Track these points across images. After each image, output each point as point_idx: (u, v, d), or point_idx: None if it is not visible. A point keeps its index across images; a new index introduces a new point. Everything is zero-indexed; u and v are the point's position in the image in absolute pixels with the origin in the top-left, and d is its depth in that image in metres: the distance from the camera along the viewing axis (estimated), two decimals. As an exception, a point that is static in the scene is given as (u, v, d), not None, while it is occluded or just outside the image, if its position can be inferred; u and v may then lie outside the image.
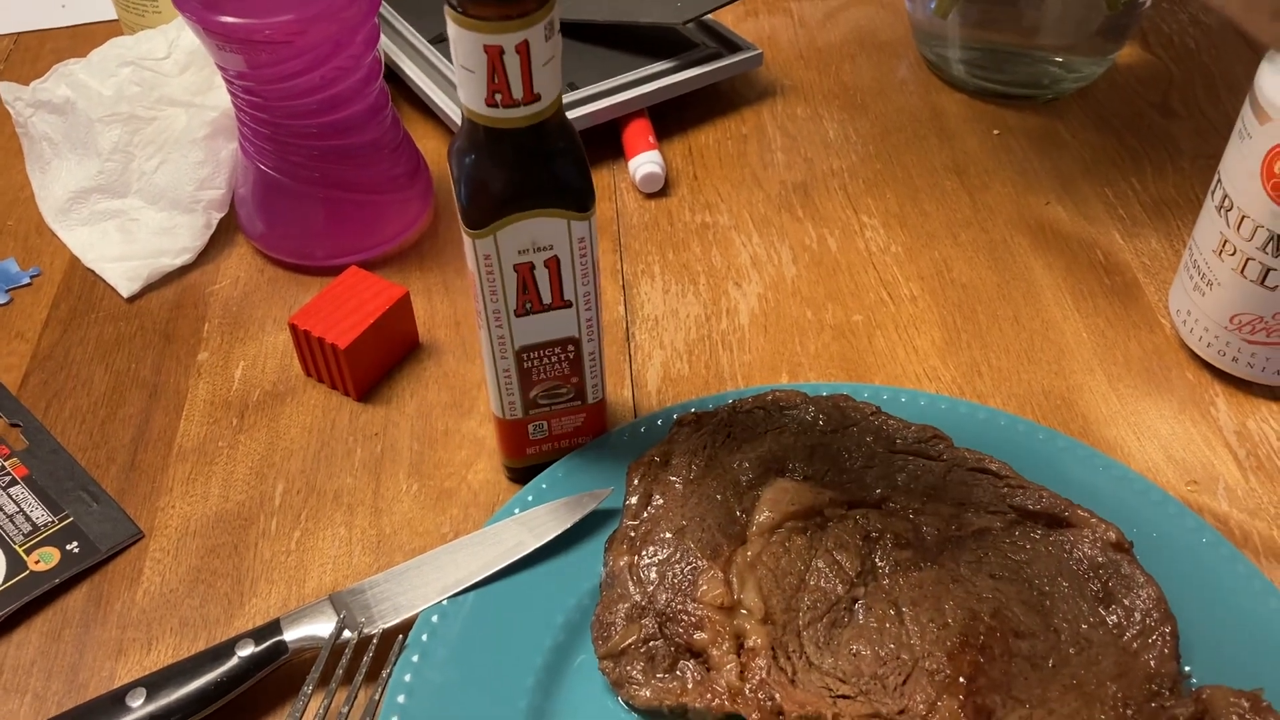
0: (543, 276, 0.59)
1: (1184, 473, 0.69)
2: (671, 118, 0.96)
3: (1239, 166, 0.67)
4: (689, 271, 0.84)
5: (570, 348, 0.63)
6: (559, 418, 0.67)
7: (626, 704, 0.58)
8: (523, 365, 0.63)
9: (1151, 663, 0.57)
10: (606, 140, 0.93)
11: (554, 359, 0.63)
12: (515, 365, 0.63)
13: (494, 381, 0.64)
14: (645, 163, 0.89)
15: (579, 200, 0.57)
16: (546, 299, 0.60)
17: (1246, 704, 0.53)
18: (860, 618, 0.59)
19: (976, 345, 0.77)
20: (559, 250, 0.58)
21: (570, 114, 0.88)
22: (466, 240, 0.58)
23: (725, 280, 0.83)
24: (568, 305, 0.61)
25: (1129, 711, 0.55)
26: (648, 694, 0.58)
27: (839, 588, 0.60)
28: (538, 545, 0.63)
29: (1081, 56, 0.94)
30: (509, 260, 0.58)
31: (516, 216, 0.57)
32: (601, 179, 0.91)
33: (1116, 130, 0.93)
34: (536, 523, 0.64)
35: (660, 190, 0.90)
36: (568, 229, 0.58)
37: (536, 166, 0.56)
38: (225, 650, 0.60)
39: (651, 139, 0.91)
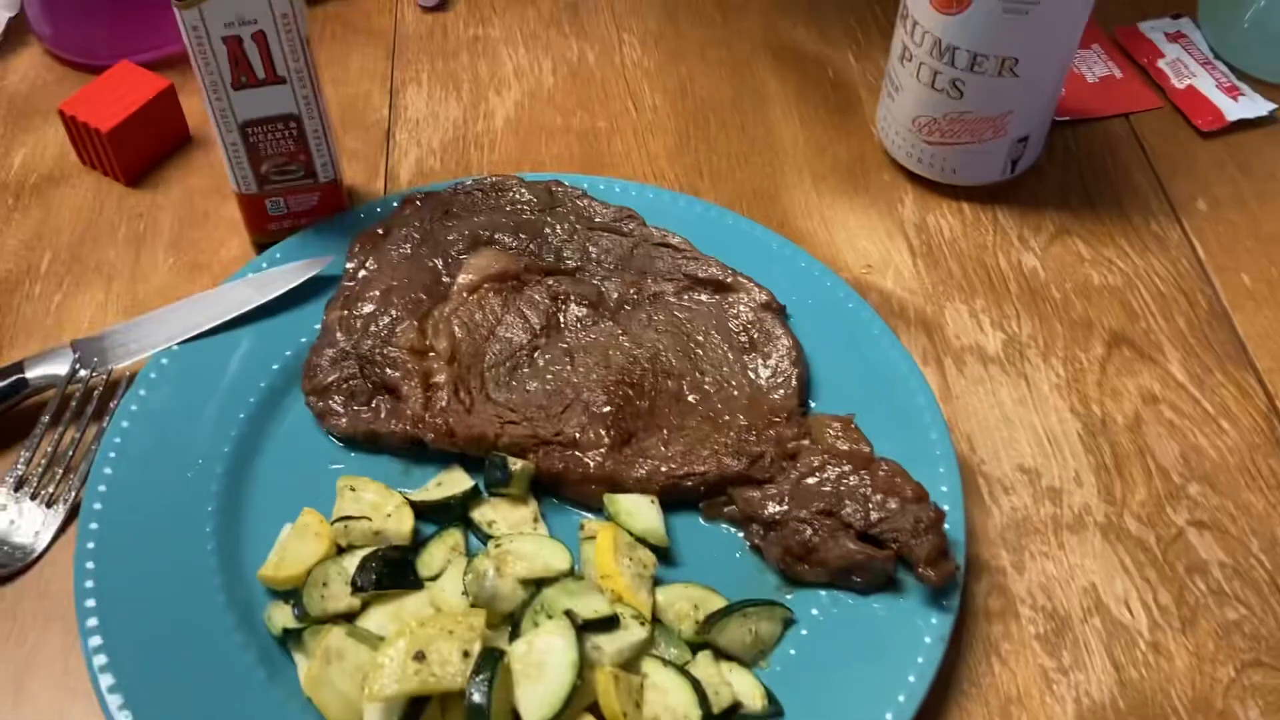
0: (253, 50, 0.65)
1: (862, 258, 0.78)
2: (461, -60, 1.01)
3: (911, -23, 0.74)
4: (455, 80, 0.90)
5: (292, 124, 0.69)
6: (294, 194, 0.73)
7: (327, 433, 0.67)
8: (249, 140, 0.69)
9: (777, 399, 0.66)
10: (393, -42, 0.98)
11: (278, 135, 0.70)
12: (241, 140, 0.69)
13: (226, 156, 0.71)
14: (423, -22, 0.94)
15: (275, -24, 0.63)
16: (260, 73, 0.66)
17: (839, 425, 0.63)
18: (539, 363, 0.68)
19: (703, 150, 0.85)
20: (264, 25, 0.64)
21: (352, -72, 0.93)
22: (176, 12, 0.63)
23: (487, 88, 0.89)
24: (282, 81, 0.67)
25: (750, 436, 0.64)
26: (344, 423, 0.66)
27: (523, 338, 0.68)
28: (263, 301, 0.70)
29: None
30: (217, 32, 0.64)
31: (218, -11, 0.62)
32: (385, -7, 0.97)
33: (873, -37, 1.00)
34: (264, 283, 0.71)
35: (439, 5, 0.95)
36: (269, 4, 0.63)
37: (234, -58, 0.62)
38: (-30, 386, 0.67)
39: (432, -44, 0.96)
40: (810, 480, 0.62)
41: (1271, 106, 0.87)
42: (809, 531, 0.60)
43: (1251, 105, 0.87)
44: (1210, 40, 0.91)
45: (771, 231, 0.75)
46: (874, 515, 0.60)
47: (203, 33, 0.64)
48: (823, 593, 0.60)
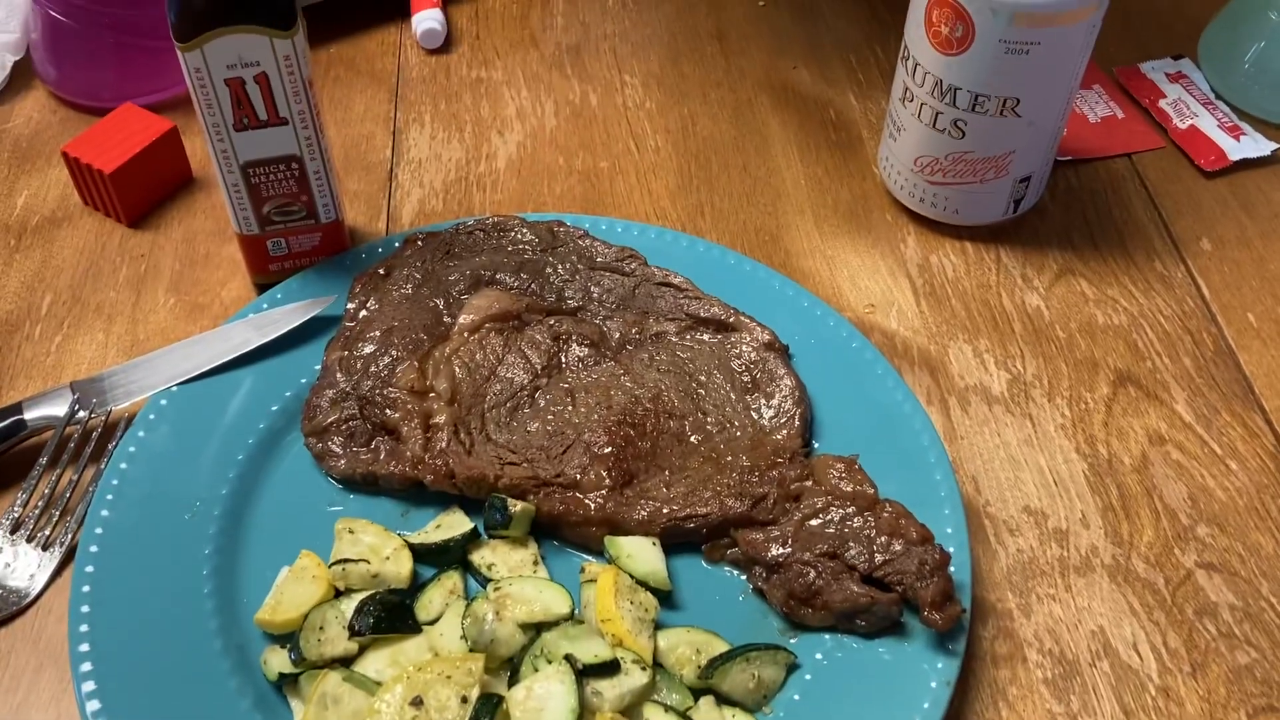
0: (255, 92, 0.65)
1: (865, 297, 0.78)
2: (464, -17, 1.01)
3: (912, 17, 0.74)
4: (457, 121, 0.90)
5: (294, 165, 0.70)
6: (295, 235, 0.73)
7: (327, 475, 0.66)
8: (250, 181, 0.69)
9: (780, 439, 0.65)
10: None
11: (280, 176, 0.70)
12: (243, 180, 0.69)
13: (228, 197, 0.71)
14: (426, 19, 0.94)
15: (278, 18, 0.63)
16: (262, 115, 0.67)
17: (842, 466, 0.62)
18: (540, 403, 0.67)
19: (705, 190, 0.85)
20: (266, 67, 0.64)
21: (356, -28, 0.94)
22: (179, 54, 0.63)
23: (490, 129, 0.90)
24: (284, 122, 0.67)
25: (753, 477, 0.63)
26: (343, 464, 0.65)
27: (524, 378, 0.68)
28: (262, 342, 0.70)
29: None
30: (219, 75, 0.64)
31: (220, 32, 0.62)
32: (388, 35, 0.97)
33: (874, 4, 1.00)
34: (264, 323, 0.71)
35: (441, 47, 0.96)
36: (271, 46, 0.64)
37: (238, -15, 0.62)
38: (-32, 427, 0.66)
39: (435, -1, 0.96)
40: (814, 522, 0.61)
41: (1274, 146, 0.87)
42: (813, 574, 0.59)
43: (1254, 145, 0.87)
44: (1211, 81, 0.91)
45: (774, 271, 0.75)
46: (878, 558, 0.59)
47: (205, 74, 0.64)
48: (827, 636, 0.59)
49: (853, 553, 0.59)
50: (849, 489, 0.61)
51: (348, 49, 0.96)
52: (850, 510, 0.61)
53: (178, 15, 0.62)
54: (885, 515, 0.60)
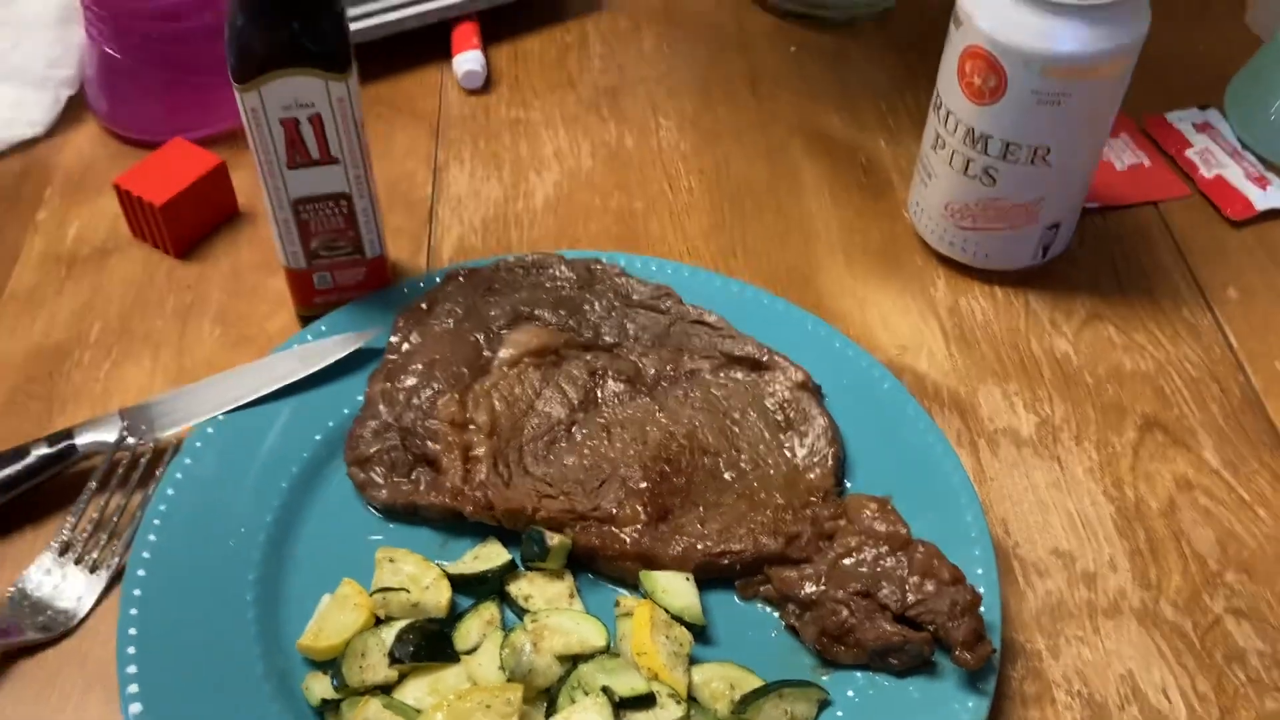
0: (308, 132, 0.67)
1: (896, 339, 0.79)
2: (504, 23, 1.04)
3: (945, 67, 0.76)
4: (496, 160, 0.92)
5: (343, 202, 0.72)
6: (341, 269, 0.75)
7: (368, 504, 0.67)
8: (300, 216, 0.72)
9: (814, 478, 0.67)
10: (438, 40, 1.01)
11: (329, 212, 0.72)
12: (293, 216, 0.71)
13: (277, 232, 0.73)
14: (467, 61, 0.97)
15: (333, 61, 0.65)
16: (315, 154, 0.69)
17: (875, 506, 0.63)
18: (577, 438, 0.69)
19: (737, 230, 0.87)
20: (320, 108, 0.67)
21: (400, 14, 0.96)
22: (236, 94, 0.66)
23: (528, 169, 0.92)
24: (335, 161, 0.69)
25: (787, 515, 0.65)
26: (385, 494, 0.67)
27: (561, 413, 0.69)
28: (306, 374, 0.72)
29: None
30: (275, 115, 0.66)
31: (277, 74, 0.65)
32: (429, 76, 0.99)
33: (903, 52, 1.02)
34: (308, 355, 0.72)
35: (482, 88, 0.98)
36: (326, 89, 0.66)
37: (296, 29, 0.64)
38: (22, 451, 0.68)
39: (476, 40, 0.99)
40: (847, 561, 0.62)
41: (1300, 196, 0.88)
42: (845, 612, 0.60)
43: (1280, 195, 0.88)
44: (1238, 131, 0.93)
45: (806, 312, 0.76)
46: (911, 597, 0.60)
47: (261, 115, 0.66)
48: (858, 674, 0.60)
49: (885, 592, 0.60)
50: (882, 529, 0.62)
51: (390, 89, 0.98)
52: (883, 550, 0.62)
53: (237, 58, 0.64)
54: (918, 556, 0.61)
